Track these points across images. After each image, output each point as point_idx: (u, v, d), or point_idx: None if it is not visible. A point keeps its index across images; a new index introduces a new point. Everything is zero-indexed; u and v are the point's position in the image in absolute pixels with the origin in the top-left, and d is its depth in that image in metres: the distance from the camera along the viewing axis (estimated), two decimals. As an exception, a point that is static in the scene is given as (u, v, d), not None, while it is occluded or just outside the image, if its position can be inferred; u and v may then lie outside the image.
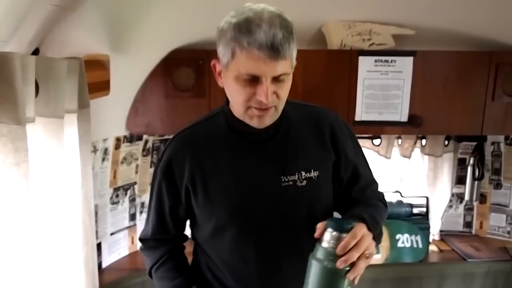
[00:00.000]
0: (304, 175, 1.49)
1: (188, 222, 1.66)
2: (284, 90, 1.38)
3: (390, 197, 3.07)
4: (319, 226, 1.28)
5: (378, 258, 2.82)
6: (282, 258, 1.39)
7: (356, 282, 1.24)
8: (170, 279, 1.60)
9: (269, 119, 1.41)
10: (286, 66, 1.31)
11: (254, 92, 1.33)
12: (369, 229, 1.32)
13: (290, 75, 1.37)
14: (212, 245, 1.57)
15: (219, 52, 1.36)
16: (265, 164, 1.49)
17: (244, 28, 1.26)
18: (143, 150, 2.79)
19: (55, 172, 1.65)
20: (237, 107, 1.43)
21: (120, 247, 2.76)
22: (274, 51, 1.25)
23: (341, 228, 1.24)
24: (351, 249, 1.21)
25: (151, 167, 2.85)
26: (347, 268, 1.22)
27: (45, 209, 1.64)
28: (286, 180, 1.48)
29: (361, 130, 2.62)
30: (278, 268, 1.39)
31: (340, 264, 1.19)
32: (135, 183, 2.80)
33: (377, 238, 1.40)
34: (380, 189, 1.71)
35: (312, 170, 1.50)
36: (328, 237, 1.24)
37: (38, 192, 1.56)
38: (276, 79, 1.32)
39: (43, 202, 1.63)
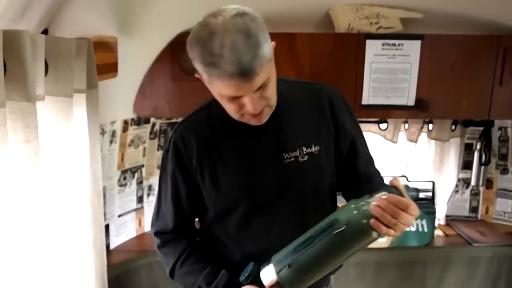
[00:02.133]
0: (305, 151, 1.52)
1: None
2: (270, 90, 1.37)
3: None
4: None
5: (383, 242, 2.82)
6: (289, 232, 1.40)
7: (382, 232, 1.22)
8: (198, 271, 1.57)
9: (266, 116, 1.44)
10: (262, 75, 1.29)
11: (242, 105, 1.35)
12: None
13: (271, 71, 1.35)
14: (220, 225, 1.59)
15: (196, 66, 1.32)
16: (266, 143, 1.52)
17: (209, 60, 1.23)
18: (151, 133, 2.80)
19: (64, 151, 1.67)
20: (231, 114, 1.44)
21: (128, 229, 2.78)
22: (245, 75, 1.23)
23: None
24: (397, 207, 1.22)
25: (158, 150, 2.87)
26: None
27: (54, 188, 1.66)
28: (288, 156, 1.51)
29: (368, 114, 2.62)
30: (285, 242, 1.40)
31: (373, 208, 1.21)
32: (143, 166, 2.81)
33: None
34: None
35: (313, 145, 1.53)
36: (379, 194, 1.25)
37: (47, 170, 1.58)
38: (258, 88, 1.32)
39: (52, 180, 1.64)
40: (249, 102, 1.32)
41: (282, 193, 1.52)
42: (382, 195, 1.23)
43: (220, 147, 1.52)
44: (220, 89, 1.30)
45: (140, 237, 2.85)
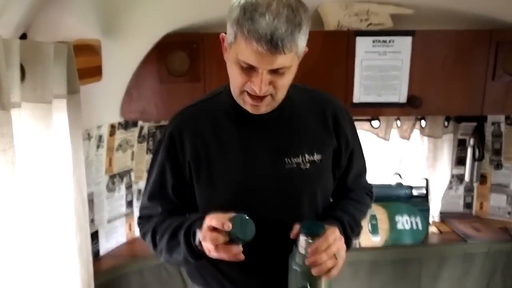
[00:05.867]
0: (308, 158, 1.50)
1: None
2: (284, 81, 1.36)
3: (389, 180, 3.05)
4: (295, 227, 1.38)
5: (377, 241, 2.80)
6: (280, 236, 1.39)
7: (329, 277, 1.34)
8: (177, 220, 1.51)
9: (265, 107, 1.41)
10: (286, 60, 1.28)
11: (250, 80, 1.32)
12: (344, 231, 1.46)
13: (293, 67, 1.35)
14: None
15: (227, 28, 1.33)
16: (269, 145, 1.49)
17: (249, 13, 1.23)
18: (139, 136, 2.76)
19: (44, 158, 1.63)
20: (233, 87, 1.42)
21: (118, 235, 2.73)
22: (272, 45, 1.22)
23: (314, 233, 1.33)
24: (321, 252, 1.30)
25: (147, 153, 2.82)
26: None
27: (36, 197, 1.62)
28: (290, 162, 1.49)
29: (360, 112, 2.60)
30: (277, 251, 1.40)
31: (308, 264, 1.31)
32: (131, 170, 2.77)
33: (352, 238, 1.57)
34: (368, 177, 1.78)
35: (315, 153, 1.52)
36: (303, 243, 1.33)
37: (26, 179, 1.54)
38: (274, 71, 1.30)
39: (33, 189, 1.60)
40: (258, 80, 1.30)
41: (279, 200, 1.50)
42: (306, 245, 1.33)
43: (220, 143, 1.49)
44: (240, 51, 1.28)
45: (131, 242, 2.80)
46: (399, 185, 3.01)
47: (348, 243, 1.47)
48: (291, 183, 1.50)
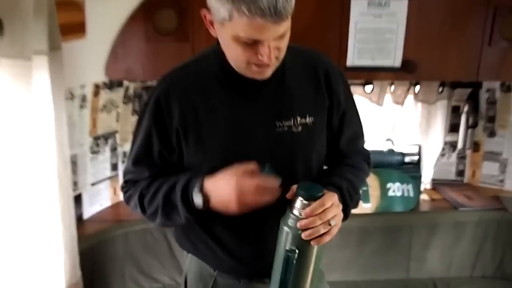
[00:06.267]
0: (299, 121, 1.45)
1: None
2: (286, 41, 1.31)
3: (381, 146, 3.03)
4: (292, 188, 1.30)
5: (368, 207, 2.80)
6: (275, 206, 1.32)
7: (319, 243, 1.28)
8: (169, 181, 1.44)
9: (272, 70, 1.36)
10: (287, 23, 1.24)
11: (255, 52, 1.27)
12: (343, 199, 1.40)
13: (289, 27, 1.29)
14: None
15: (212, 5, 1.25)
16: (259, 108, 1.44)
17: None
18: (124, 97, 2.68)
19: (24, 118, 1.56)
20: (236, 64, 1.36)
21: (102, 198, 2.70)
22: (277, 15, 1.17)
23: (311, 195, 1.27)
24: (316, 215, 1.25)
25: (133, 115, 2.75)
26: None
27: (15, 158, 1.56)
28: (281, 125, 1.44)
29: (353, 75, 2.53)
30: (271, 216, 1.33)
31: (300, 226, 1.25)
32: (116, 132, 2.71)
33: (350, 207, 1.49)
34: (366, 144, 1.70)
35: (308, 116, 1.46)
36: (298, 204, 1.27)
37: (5, 140, 1.48)
38: (278, 37, 1.26)
39: (12, 150, 1.54)
40: (266, 50, 1.25)
41: (270, 162, 1.40)
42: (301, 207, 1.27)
43: (210, 104, 1.43)
44: (241, 29, 1.21)
45: (115, 206, 2.76)
46: (391, 151, 3.00)
47: (346, 211, 1.42)
48: (283, 147, 1.45)
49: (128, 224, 2.53)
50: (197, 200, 1.36)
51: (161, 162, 1.49)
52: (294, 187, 1.30)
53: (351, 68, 2.49)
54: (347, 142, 1.60)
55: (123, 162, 2.77)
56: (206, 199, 1.36)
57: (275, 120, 1.44)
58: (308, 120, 1.47)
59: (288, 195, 1.30)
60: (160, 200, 1.43)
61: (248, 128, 1.44)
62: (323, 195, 1.27)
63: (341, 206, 1.34)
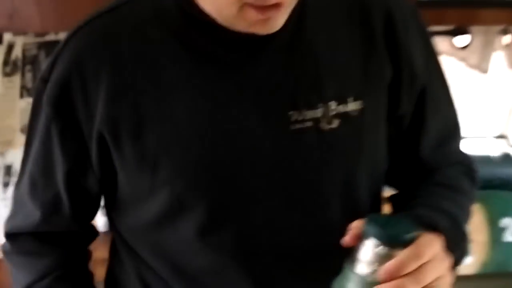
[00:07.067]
0: (334, 109, 0.91)
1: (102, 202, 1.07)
2: None
3: (489, 148, 2.22)
4: (354, 226, 0.81)
5: (468, 264, 2.06)
6: (291, 273, 0.92)
7: None
8: None
9: (280, 19, 0.84)
10: None
11: None
12: (449, 246, 0.83)
13: None
14: (153, 240, 1.00)
15: None
16: (256, 91, 0.90)
17: None
18: (5, 63, 1.87)
19: None
20: (218, 8, 0.83)
21: None
22: None
23: (394, 239, 0.76)
24: (406, 275, 0.74)
25: (22, 97, 1.93)
26: None
27: None
28: (300, 119, 0.90)
29: (431, 16, 1.76)
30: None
31: None
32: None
33: (458, 259, 0.91)
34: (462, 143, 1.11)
35: (350, 99, 0.93)
36: (370, 253, 0.77)
37: None
38: None
39: None
40: None
41: (280, 194, 0.90)
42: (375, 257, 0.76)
43: (164, 85, 0.89)
44: None
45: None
46: (507, 158, 2.17)
47: (453, 263, 0.83)
48: (303, 160, 0.91)
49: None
50: None
51: (66, 191, 0.98)
52: (359, 223, 0.80)
53: (428, 3, 1.75)
54: (433, 144, 1.03)
55: (6, 184, 1.96)
56: None
57: (287, 110, 0.91)
58: (352, 106, 0.94)
59: (349, 240, 0.80)
60: None
61: (237, 126, 0.92)
62: (414, 237, 0.76)
63: (448, 261, 0.81)
